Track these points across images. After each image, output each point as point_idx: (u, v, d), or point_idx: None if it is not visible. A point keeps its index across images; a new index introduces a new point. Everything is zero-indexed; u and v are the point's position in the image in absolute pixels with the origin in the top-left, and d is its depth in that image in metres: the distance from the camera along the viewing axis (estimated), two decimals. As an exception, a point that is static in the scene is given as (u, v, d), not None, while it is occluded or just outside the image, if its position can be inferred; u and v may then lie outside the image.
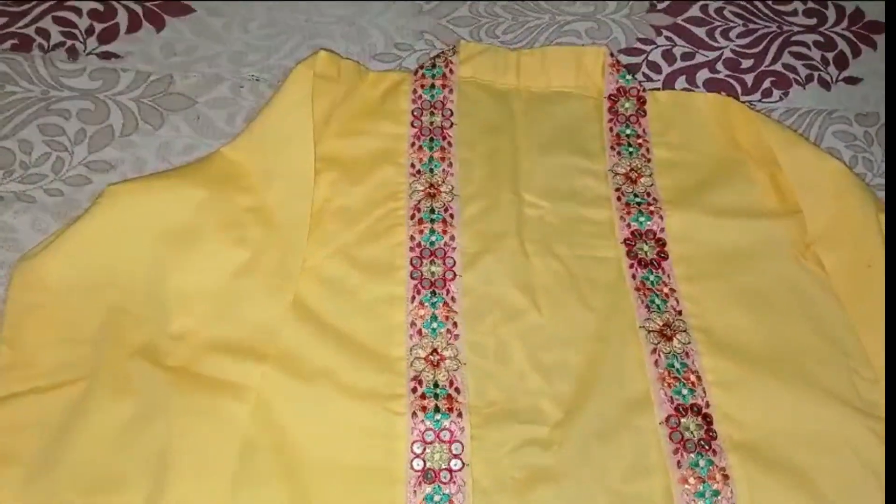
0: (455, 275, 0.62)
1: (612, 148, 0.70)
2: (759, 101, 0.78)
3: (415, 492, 0.52)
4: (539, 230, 0.65)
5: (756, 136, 0.69)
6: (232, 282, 0.59)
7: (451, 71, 0.73)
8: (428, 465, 0.53)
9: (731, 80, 0.80)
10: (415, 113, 0.70)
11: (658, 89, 0.77)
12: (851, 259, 0.63)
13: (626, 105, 0.72)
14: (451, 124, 0.70)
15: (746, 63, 0.81)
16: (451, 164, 0.68)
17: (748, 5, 0.85)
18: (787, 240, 0.65)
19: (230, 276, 0.59)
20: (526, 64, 0.74)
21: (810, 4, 0.86)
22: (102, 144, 0.70)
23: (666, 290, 0.62)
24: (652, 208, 0.66)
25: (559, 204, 0.67)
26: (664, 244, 0.65)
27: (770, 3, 0.86)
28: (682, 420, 0.56)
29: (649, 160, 0.69)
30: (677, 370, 0.58)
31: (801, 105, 0.78)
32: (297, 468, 0.53)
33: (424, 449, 0.54)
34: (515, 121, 0.72)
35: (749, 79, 0.80)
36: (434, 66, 0.73)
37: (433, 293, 0.61)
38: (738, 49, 0.82)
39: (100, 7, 0.80)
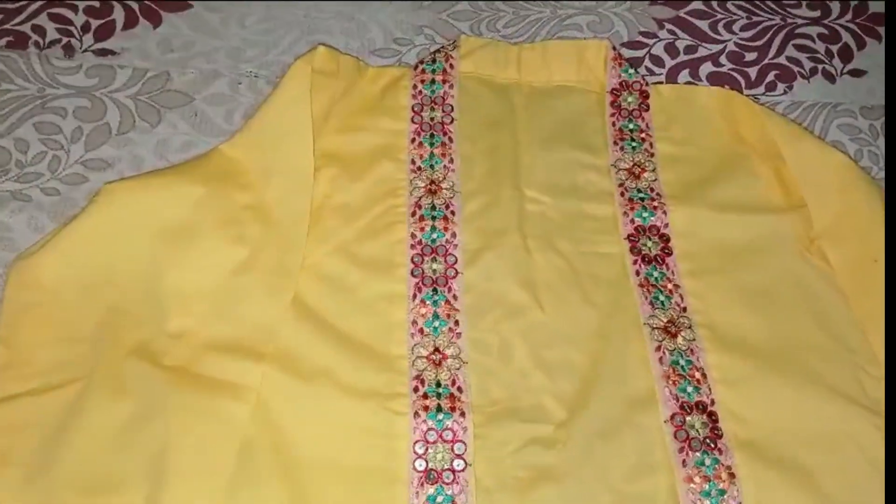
0: (457, 272, 0.61)
1: (615, 143, 0.69)
2: (763, 94, 0.77)
3: (417, 493, 0.52)
4: (541, 226, 0.65)
5: (760, 130, 0.68)
6: (230, 280, 0.59)
7: (451, 66, 0.72)
8: (430, 465, 0.53)
9: (735, 74, 0.79)
10: (415, 108, 0.70)
11: (661, 83, 0.76)
12: (857, 254, 0.62)
13: (629, 99, 0.71)
14: (452, 120, 0.69)
15: (750, 56, 0.80)
16: (451, 160, 0.67)
17: (751, -3, 0.85)
18: (792, 235, 0.64)
19: (229, 274, 0.59)
20: (527, 58, 0.73)
21: (814, -4, 0.85)
22: (99, 142, 0.70)
23: (670, 286, 0.61)
24: (655, 203, 0.65)
25: (561, 199, 0.66)
26: (668, 240, 0.64)
27: (773, -5, 0.85)
28: (688, 418, 0.55)
29: (652, 155, 0.69)
30: (682, 367, 0.57)
31: (805, 98, 0.77)
32: (296, 469, 0.52)
33: (427, 449, 0.53)
34: (517, 116, 0.71)
35: (753, 72, 0.79)
36: (434, 61, 0.72)
37: (435, 291, 0.60)
38: (741, 42, 0.81)
39: (96, 3, 0.79)
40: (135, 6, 0.79)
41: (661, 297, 0.61)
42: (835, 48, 0.81)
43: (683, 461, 0.53)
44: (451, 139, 0.68)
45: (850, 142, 0.74)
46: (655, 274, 0.62)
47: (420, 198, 0.65)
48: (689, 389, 0.56)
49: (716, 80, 0.78)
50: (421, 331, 0.58)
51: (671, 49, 0.80)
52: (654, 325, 0.59)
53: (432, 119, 0.69)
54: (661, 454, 0.54)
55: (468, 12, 0.82)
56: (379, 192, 0.65)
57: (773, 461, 0.54)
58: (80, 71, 0.74)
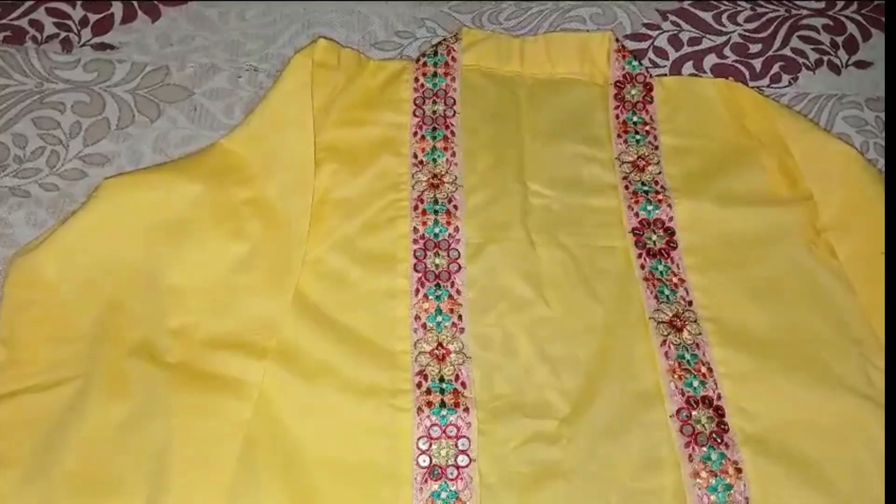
0: (460, 266, 0.61)
1: (619, 136, 0.69)
2: (768, 86, 0.77)
3: (421, 489, 0.51)
4: (545, 220, 0.64)
5: (765, 122, 0.68)
6: (231, 276, 0.58)
7: (453, 59, 0.71)
8: (434, 461, 0.52)
9: (740, 66, 0.78)
10: (417, 102, 0.69)
11: (665, 75, 0.75)
12: (864, 246, 0.62)
13: (633, 92, 0.71)
14: (454, 113, 0.69)
15: (755, 48, 0.80)
16: (454, 154, 0.66)
17: (756, -12, 0.84)
18: (798, 227, 0.64)
19: (229, 269, 0.58)
20: (530, 51, 0.72)
21: (819, -13, 0.84)
22: (98, 137, 0.69)
23: (675, 280, 0.61)
24: (660, 197, 0.65)
25: (565, 193, 0.66)
26: (673, 233, 0.63)
27: (778, -14, 0.84)
28: (694, 413, 0.54)
29: (657, 148, 0.68)
30: (688, 362, 0.57)
31: (810, 90, 0.76)
32: (299, 466, 0.52)
33: (430, 445, 0.53)
34: (520, 109, 0.70)
35: (758, 64, 0.78)
36: (436, 53, 0.71)
37: (438, 286, 0.59)
38: (746, 33, 0.81)
39: (94, -3, 0.79)
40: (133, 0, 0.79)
41: (667, 291, 0.60)
42: (840, 39, 0.81)
43: (690, 456, 0.53)
44: (453, 132, 0.68)
45: (856, 134, 0.73)
46: (660, 268, 0.62)
47: (422, 192, 0.64)
48: (696, 384, 0.56)
49: (720, 71, 0.77)
50: (424, 326, 0.58)
51: (675, 41, 0.80)
52: (660, 320, 0.59)
53: (434, 112, 0.69)
54: (667, 450, 0.54)
55: (470, 4, 0.81)
56: (381, 187, 0.64)
57: (781, 455, 0.53)
58: (78, 65, 0.73)
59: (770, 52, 0.79)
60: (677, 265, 0.62)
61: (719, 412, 0.55)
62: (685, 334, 0.58)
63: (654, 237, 0.63)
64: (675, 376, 0.56)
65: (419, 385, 0.55)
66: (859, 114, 0.75)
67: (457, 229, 0.63)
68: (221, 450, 0.51)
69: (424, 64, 0.71)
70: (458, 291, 0.60)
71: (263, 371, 0.54)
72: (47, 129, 0.69)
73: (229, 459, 0.51)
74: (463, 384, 0.55)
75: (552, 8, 0.81)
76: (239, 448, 0.51)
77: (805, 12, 0.82)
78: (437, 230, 0.62)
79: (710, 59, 0.78)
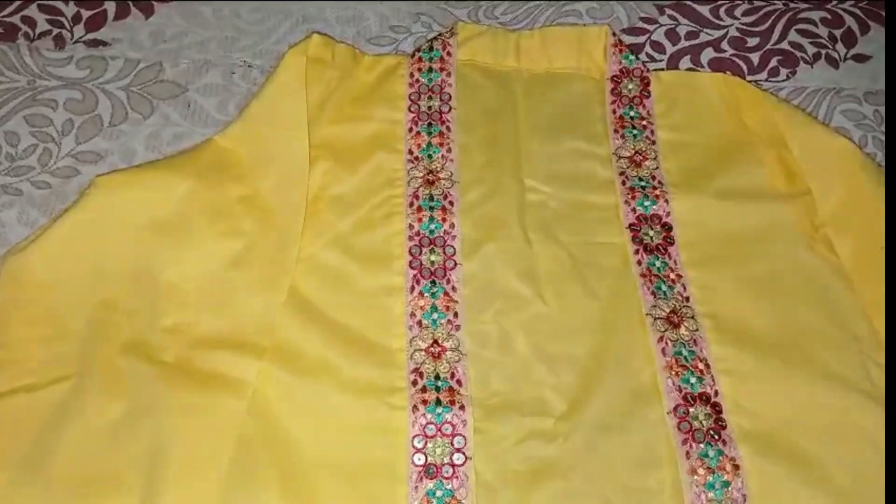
0: (455, 263, 0.60)
1: (616, 130, 0.68)
2: (766, 80, 0.76)
3: (416, 487, 0.51)
4: (541, 216, 0.64)
5: (763, 117, 0.67)
6: (225, 273, 0.58)
7: (448, 54, 0.71)
8: (429, 459, 0.52)
9: (737, 60, 0.78)
10: (412, 97, 0.69)
11: (662, 70, 0.75)
12: (863, 241, 0.61)
13: (630, 86, 0.70)
14: (450, 108, 0.68)
15: (752, 41, 0.79)
16: (450, 150, 0.66)
17: (753, -18, 0.84)
18: (797, 222, 0.63)
19: (223, 267, 0.58)
20: (526, 45, 0.72)
21: (817, -20, 0.84)
22: (91, 135, 0.69)
23: (672, 275, 0.61)
24: (657, 192, 0.64)
25: (562, 189, 0.65)
26: (670, 229, 0.63)
27: (776, -21, 0.84)
28: (691, 409, 0.54)
29: (654, 142, 0.68)
30: (685, 358, 0.56)
31: (808, 84, 0.76)
32: (294, 466, 0.51)
33: (426, 443, 0.52)
34: (516, 104, 0.70)
35: (755, 58, 0.78)
36: (431, 48, 0.71)
37: (433, 283, 0.59)
38: (743, 27, 0.80)
39: (86, -6, 0.78)
40: (126, -4, 0.79)
41: (664, 287, 0.60)
42: (838, 33, 0.80)
43: (687, 453, 0.53)
44: (449, 128, 0.67)
45: (854, 128, 0.73)
46: (658, 263, 0.61)
47: (418, 188, 0.64)
48: (693, 380, 0.55)
49: (718, 66, 0.77)
50: (419, 323, 0.57)
51: (672, 35, 0.79)
52: (657, 316, 0.58)
53: (430, 108, 0.68)
54: (665, 447, 0.53)
55: (466, -1, 0.80)
56: (376, 183, 0.64)
57: (779, 452, 0.53)
58: (71, 62, 0.73)
59: (768, 46, 0.79)
60: (675, 261, 0.61)
61: (717, 409, 0.54)
62: (682, 330, 0.58)
63: (652, 233, 0.63)
64: (673, 373, 0.56)
65: (414, 383, 0.55)
66: (857, 108, 0.74)
67: (452, 226, 0.62)
68: (216, 448, 0.51)
69: (420, 59, 0.70)
70: (453, 288, 0.59)
71: (258, 369, 0.54)
72: (39, 127, 0.69)
73: (224, 458, 0.51)
74: (458, 382, 0.55)
75: (549, 2, 0.80)
76: (234, 446, 0.51)
77: (803, 6, 0.82)
78: (432, 227, 0.62)
79: (708, 54, 0.78)
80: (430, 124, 0.67)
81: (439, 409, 0.53)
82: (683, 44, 0.78)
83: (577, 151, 0.67)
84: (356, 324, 0.57)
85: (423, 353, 0.56)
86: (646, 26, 0.80)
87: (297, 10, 0.78)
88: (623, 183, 0.65)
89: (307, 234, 0.60)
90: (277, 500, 0.50)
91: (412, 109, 0.68)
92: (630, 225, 0.63)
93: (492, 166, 0.66)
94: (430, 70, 0.70)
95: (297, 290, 0.58)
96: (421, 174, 0.64)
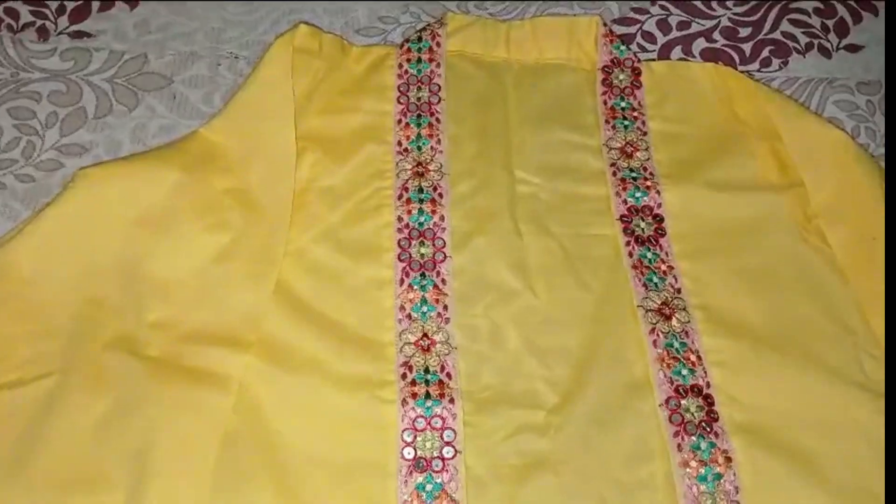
0: (445, 256, 0.60)
1: (607, 121, 0.68)
2: (758, 70, 0.76)
3: (406, 481, 0.50)
4: (532, 208, 0.63)
5: (756, 107, 0.67)
6: (211, 267, 0.57)
7: (437, 44, 0.70)
8: (419, 453, 0.51)
9: (729, 50, 0.77)
10: (401, 88, 0.68)
11: (653, 60, 0.74)
12: (856, 232, 0.61)
13: (621, 77, 0.70)
14: (439, 99, 0.68)
15: (744, 31, 0.79)
16: (439, 142, 0.65)
17: (745, -29, 0.83)
18: (790, 214, 0.63)
19: (209, 261, 0.57)
20: (516, 36, 0.71)
21: (809, -31, 0.83)
22: (75, 127, 0.68)
23: (664, 267, 0.60)
24: (648, 183, 0.64)
25: (553, 180, 0.65)
26: (661, 220, 0.63)
27: (768, -32, 0.83)
28: (682, 402, 0.54)
29: (645, 133, 0.67)
30: (677, 350, 0.56)
31: (801, 74, 0.76)
32: (282, 460, 0.51)
33: (415, 437, 0.52)
34: (506, 95, 0.69)
35: (747, 48, 0.77)
36: (420, 39, 0.70)
37: (423, 275, 0.58)
38: (735, 17, 0.80)
39: (71, -16, 0.77)
40: (111, -14, 0.77)
41: (655, 279, 0.59)
42: (830, 23, 0.80)
43: (679, 445, 0.52)
44: (438, 120, 0.67)
45: (847, 118, 0.72)
46: (649, 255, 0.61)
47: (407, 180, 0.63)
48: (684, 372, 0.55)
49: (709, 56, 0.76)
50: (409, 316, 0.57)
51: (663, 25, 0.78)
52: (648, 308, 0.58)
53: (419, 99, 0.67)
54: (657, 439, 0.53)
55: (455, -11, 0.80)
56: (364, 175, 0.63)
57: (771, 445, 0.52)
58: (54, 54, 0.72)
59: (760, 36, 0.78)
60: (666, 252, 0.61)
61: (708, 401, 0.54)
62: (674, 322, 0.57)
63: (643, 224, 0.62)
64: (664, 365, 0.55)
65: (404, 376, 0.54)
66: (850, 98, 0.74)
67: (442, 218, 0.61)
68: (203, 444, 0.50)
69: (409, 50, 0.70)
70: (443, 281, 0.59)
71: (246, 364, 0.53)
72: (23, 119, 0.68)
73: (211, 454, 0.50)
74: (448, 375, 0.54)
75: (539, -8, 0.80)
76: (221, 442, 0.50)
77: (795, -5, 0.81)
78: (422, 219, 0.61)
79: (700, 44, 0.77)
80: (419, 115, 0.67)
81: (429, 403, 0.53)
82: (675, 34, 0.78)
83: (567, 142, 0.67)
84: (345, 317, 0.57)
85: (412, 346, 0.55)
86: (637, 16, 0.79)
87: (284, 1, 0.77)
88: (614, 174, 0.65)
89: (295, 227, 0.60)
90: (265, 494, 0.49)
91: (401, 101, 0.67)
92: (621, 216, 0.63)
93: (482, 158, 0.65)
94: (420, 61, 0.69)
95: (285, 283, 0.57)
96: (410, 166, 0.64)
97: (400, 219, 0.61)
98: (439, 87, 0.68)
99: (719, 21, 0.79)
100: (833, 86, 0.75)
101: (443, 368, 0.55)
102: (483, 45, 0.71)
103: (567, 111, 0.69)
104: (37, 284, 0.55)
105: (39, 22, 0.74)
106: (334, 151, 0.64)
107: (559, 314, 0.58)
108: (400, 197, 0.62)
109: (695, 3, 0.80)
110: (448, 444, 0.52)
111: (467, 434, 0.52)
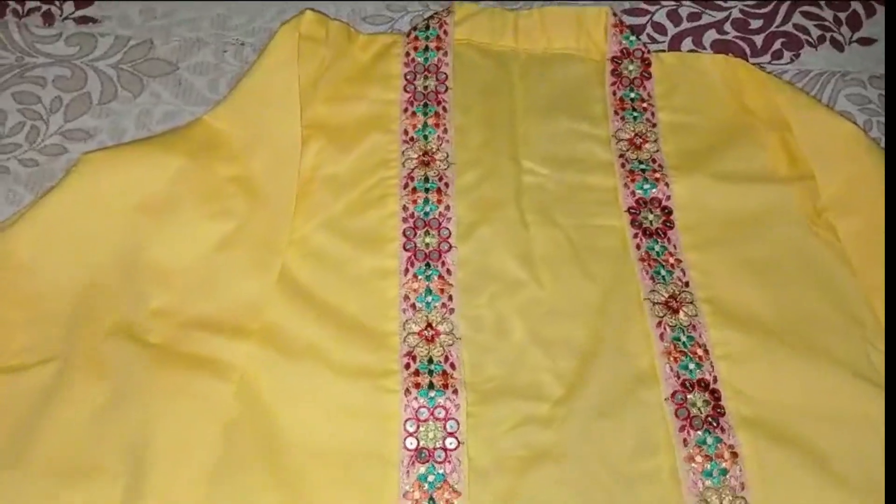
0: (450, 246, 0.59)
1: (616, 112, 0.67)
2: (769, 62, 0.75)
3: (408, 472, 0.50)
4: (539, 198, 0.62)
5: (766, 99, 0.66)
6: (214, 255, 0.57)
7: (445, 33, 0.69)
8: (422, 443, 0.51)
9: (740, 42, 0.76)
10: (407, 77, 0.67)
11: (663, 51, 0.74)
12: (865, 225, 0.60)
13: (630, 67, 0.69)
14: (446, 89, 0.67)
15: (756, 23, 0.78)
16: (445, 131, 0.65)
17: (757, -37, 0.82)
18: (799, 206, 0.62)
19: (212, 248, 0.57)
20: (524, 25, 0.71)
21: (822, -38, 0.82)
22: (79, 112, 0.68)
23: (672, 260, 0.59)
24: (657, 175, 0.63)
25: (560, 171, 0.64)
26: (670, 212, 0.62)
27: (780, -40, 0.82)
28: (689, 396, 0.53)
29: (654, 125, 0.66)
30: (684, 343, 0.55)
31: (812, 67, 0.75)
32: (284, 449, 0.50)
33: (418, 427, 0.51)
34: (513, 84, 0.69)
35: (759, 40, 0.77)
36: (427, 27, 0.69)
37: (427, 265, 0.58)
38: (746, 9, 0.79)
39: (76, -31, 0.77)
40: (117, -28, 0.77)
41: (663, 272, 0.59)
42: (843, 15, 0.79)
43: (685, 440, 0.52)
44: (445, 109, 0.66)
45: (858, 112, 0.72)
46: (657, 248, 0.60)
47: (413, 169, 0.62)
48: (691, 366, 0.54)
49: (720, 47, 0.75)
50: (413, 306, 0.56)
51: (674, 16, 0.78)
52: (656, 301, 0.57)
53: (426, 88, 0.67)
54: (662, 432, 0.52)
55: (463, -22, 0.79)
56: (370, 164, 0.63)
57: (779, 439, 0.52)
58: (60, 39, 0.72)
59: (772, 28, 0.77)
60: (674, 245, 0.60)
61: (715, 395, 0.53)
62: (681, 316, 0.57)
63: (651, 216, 0.62)
64: (671, 358, 0.55)
65: (407, 366, 0.54)
66: (862, 91, 0.73)
67: (448, 208, 0.61)
68: (203, 433, 0.50)
69: (416, 38, 0.69)
70: (448, 271, 0.58)
71: (248, 352, 0.53)
72: (27, 104, 0.68)
73: (211, 442, 0.50)
74: (452, 365, 0.54)
75: (548, -18, 0.79)
76: (221, 431, 0.50)
77: (808, -13, 0.81)
78: (427, 209, 0.61)
79: (710, 35, 0.77)
80: (425, 104, 0.66)
81: (432, 393, 0.52)
82: (685, 25, 0.77)
83: (575, 133, 0.66)
84: (349, 307, 0.56)
85: (416, 336, 0.55)
86: (647, 7, 0.78)
87: (291, -13, 0.77)
88: (622, 165, 0.64)
89: (299, 215, 0.59)
90: (266, 484, 0.49)
91: (407, 89, 0.67)
92: (629, 208, 0.62)
93: (488, 147, 0.65)
94: (427, 49, 0.69)
95: (288, 272, 0.57)
96: (416, 155, 0.63)
97: (405, 208, 0.61)
98: (446, 76, 0.67)
99: (730, 13, 0.78)
100: (845, 79, 0.74)
101: (447, 359, 0.54)
102: (491, 34, 0.71)
103: (575, 101, 0.68)
104: (37, 271, 0.55)
105: (45, 7, 0.74)
106: (339, 140, 0.63)
107: (565, 305, 0.58)
108: (405, 186, 0.62)
109: (706, -6, 0.80)
110: (451, 434, 0.51)
111: (470, 425, 0.52)
